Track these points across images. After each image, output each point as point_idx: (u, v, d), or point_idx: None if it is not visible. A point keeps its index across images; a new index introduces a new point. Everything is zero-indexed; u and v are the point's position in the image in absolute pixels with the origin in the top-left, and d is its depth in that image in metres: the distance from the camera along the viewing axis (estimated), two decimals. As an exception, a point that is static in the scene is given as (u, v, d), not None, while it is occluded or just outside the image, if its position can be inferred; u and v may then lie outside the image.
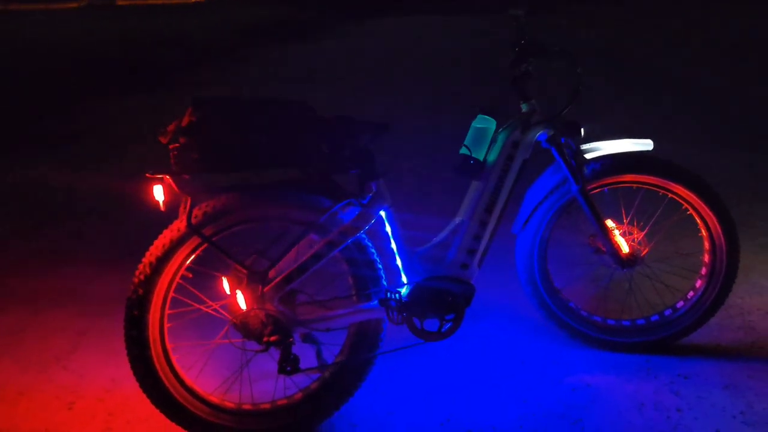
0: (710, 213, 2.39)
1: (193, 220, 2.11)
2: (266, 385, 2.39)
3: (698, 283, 2.50)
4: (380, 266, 2.25)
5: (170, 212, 2.08)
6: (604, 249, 2.49)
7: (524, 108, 2.39)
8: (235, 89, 7.85)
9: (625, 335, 2.55)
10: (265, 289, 2.10)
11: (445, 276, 2.32)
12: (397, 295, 2.24)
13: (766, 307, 2.80)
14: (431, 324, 2.28)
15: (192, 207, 2.07)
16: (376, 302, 2.23)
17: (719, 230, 2.40)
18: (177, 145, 2.03)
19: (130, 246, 3.64)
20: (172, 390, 2.14)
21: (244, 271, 2.13)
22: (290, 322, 2.16)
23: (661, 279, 2.75)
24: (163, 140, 2.11)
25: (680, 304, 2.53)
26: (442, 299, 2.28)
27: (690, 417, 2.20)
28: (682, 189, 2.38)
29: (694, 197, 2.38)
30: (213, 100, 2.17)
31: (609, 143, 2.41)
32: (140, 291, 2.10)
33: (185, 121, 2.07)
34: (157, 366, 2.14)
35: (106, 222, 4.05)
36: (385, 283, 2.26)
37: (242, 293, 2.10)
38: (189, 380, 2.18)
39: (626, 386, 2.38)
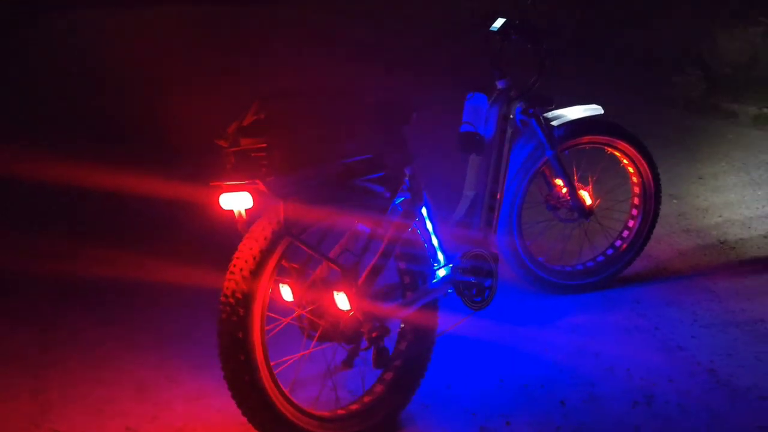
0: (643, 162, 2.85)
1: (285, 224, 1.95)
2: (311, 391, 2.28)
3: (631, 223, 2.96)
4: (430, 247, 2.31)
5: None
6: (561, 205, 2.82)
7: (503, 84, 2.58)
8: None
9: (584, 277, 2.92)
10: (360, 283, 2.02)
11: (477, 253, 2.45)
12: (445, 274, 2.33)
13: (656, 236, 3.36)
14: (475, 294, 2.40)
15: (286, 210, 1.92)
16: (439, 282, 2.29)
17: (650, 176, 2.87)
18: (262, 145, 1.86)
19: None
20: (286, 413, 1.97)
21: (338, 269, 2.02)
22: (384, 315, 2.12)
23: (604, 224, 3.08)
24: (224, 143, 1.90)
25: (618, 243, 2.97)
26: (480, 271, 2.42)
27: (668, 331, 2.64)
28: (624, 144, 2.80)
29: (632, 150, 2.81)
30: (278, 94, 2.04)
31: (567, 110, 2.72)
32: (240, 311, 1.90)
33: (249, 120, 1.90)
34: (269, 390, 1.94)
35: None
36: (435, 264, 2.33)
37: (343, 293, 2.00)
38: (294, 399, 2.02)
39: (607, 318, 2.75)
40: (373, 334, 2.09)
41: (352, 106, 2.10)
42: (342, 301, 2.02)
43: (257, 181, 1.90)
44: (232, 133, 1.96)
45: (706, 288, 2.93)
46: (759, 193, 3.84)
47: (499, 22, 2.55)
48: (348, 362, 2.20)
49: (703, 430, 2.13)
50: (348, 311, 2.03)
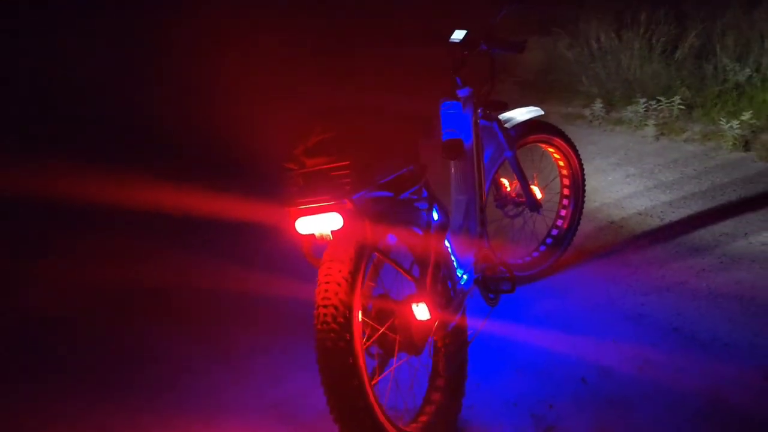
0: (573, 156, 3.16)
1: (372, 241, 1.91)
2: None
3: (563, 212, 3.27)
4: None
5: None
6: (507, 202, 3.02)
7: (466, 92, 2.70)
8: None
9: (536, 266, 3.15)
10: (434, 293, 2.06)
11: (483, 261, 2.57)
12: (468, 277, 2.42)
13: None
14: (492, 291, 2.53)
15: (372, 227, 1.90)
16: (467, 284, 2.37)
17: (578, 169, 3.20)
18: (345, 163, 1.84)
19: None
20: (388, 426, 1.94)
21: (415, 281, 2.03)
22: (449, 322, 2.24)
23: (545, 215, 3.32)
24: (293, 166, 1.85)
25: (555, 231, 3.27)
26: (489, 275, 2.55)
27: (622, 304, 2.98)
28: (559, 141, 3.09)
29: (565, 146, 3.12)
30: (335, 112, 2.02)
31: (515, 112, 2.94)
32: (346, 336, 1.86)
33: (315, 140, 1.88)
34: (373, 402, 1.88)
35: None
36: (459, 269, 2.40)
37: (423, 303, 2.01)
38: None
39: (570, 301, 3.02)
40: (447, 341, 2.12)
41: (399, 121, 2.13)
42: (422, 311, 2.02)
43: (345, 200, 1.85)
44: (300, 154, 1.89)
45: (623, 262, 3.35)
46: (615, 176, 4.41)
47: (460, 34, 2.67)
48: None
49: (698, 378, 2.47)
50: (428, 320, 2.04)
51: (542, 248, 3.25)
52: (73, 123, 5.73)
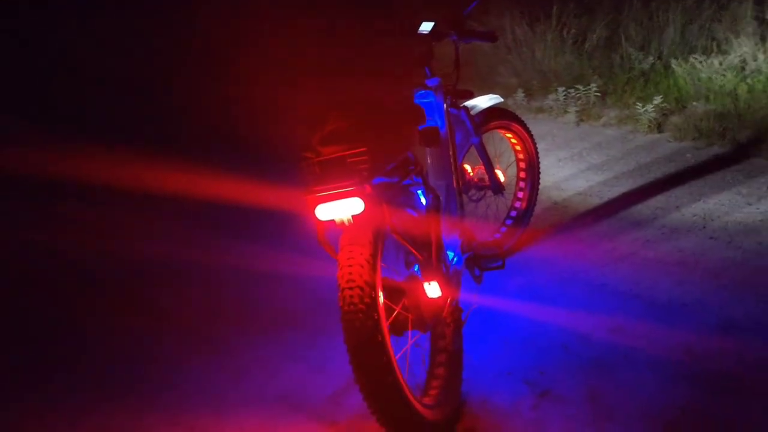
0: (529, 141, 3.34)
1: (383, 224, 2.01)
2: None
3: (521, 194, 3.44)
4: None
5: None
6: (470, 187, 3.16)
7: (435, 82, 2.81)
8: None
9: (504, 244, 3.31)
10: (444, 272, 2.18)
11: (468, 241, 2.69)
12: (457, 261, 2.55)
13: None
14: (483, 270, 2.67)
15: (390, 211, 2.00)
16: (460, 262, 2.50)
17: (533, 151, 3.38)
18: (362, 149, 1.91)
19: None
20: (408, 395, 2.03)
21: (421, 258, 2.13)
22: (455, 297, 2.34)
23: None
24: (311, 155, 1.92)
25: (514, 213, 3.44)
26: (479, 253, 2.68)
27: (586, 275, 3.19)
28: (517, 126, 3.26)
29: (522, 131, 3.29)
30: (350, 101, 2.10)
31: (477, 100, 3.07)
32: (374, 316, 1.92)
33: (330, 129, 1.96)
34: (407, 391, 1.95)
35: None
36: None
37: (435, 282, 2.12)
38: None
39: (538, 275, 3.19)
40: (453, 317, 2.22)
41: (397, 110, 2.21)
42: (434, 289, 2.11)
43: (366, 185, 1.92)
44: (317, 143, 1.95)
45: (576, 238, 3.58)
46: (548, 161, 4.64)
47: (428, 25, 2.77)
48: None
49: (667, 337, 2.70)
50: (439, 298, 2.13)
51: (503, 229, 3.41)
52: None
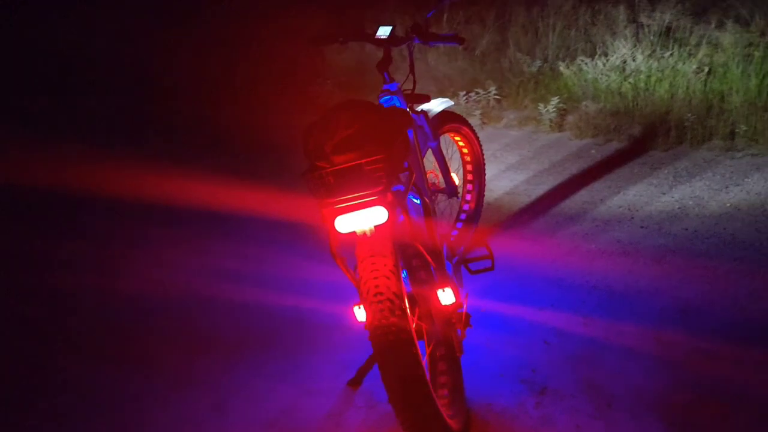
0: (476, 143, 3.38)
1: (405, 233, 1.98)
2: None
3: (469, 197, 3.47)
4: None
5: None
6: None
7: (394, 87, 2.79)
8: None
9: (460, 244, 3.31)
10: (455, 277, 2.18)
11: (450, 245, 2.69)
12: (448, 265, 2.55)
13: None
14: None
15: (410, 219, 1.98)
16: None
17: (479, 153, 3.42)
18: (379, 157, 1.87)
19: None
20: (447, 419, 2.05)
21: (435, 266, 2.14)
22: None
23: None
24: (325, 164, 1.86)
25: (463, 216, 3.46)
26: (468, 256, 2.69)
27: (556, 264, 3.27)
28: (466, 130, 3.28)
29: (471, 134, 3.32)
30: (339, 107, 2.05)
31: (431, 104, 3.06)
32: (407, 327, 1.92)
33: (341, 136, 1.91)
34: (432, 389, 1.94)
35: None
36: None
37: (449, 288, 2.11)
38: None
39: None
40: (463, 318, 2.20)
41: (400, 113, 2.17)
42: (448, 296, 2.08)
43: (388, 193, 1.87)
44: (330, 152, 1.88)
45: (519, 236, 3.70)
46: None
47: (386, 30, 2.75)
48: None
49: (633, 323, 2.83)
50: (453, 304, 2.10)
51: (455, 232, 3.43)
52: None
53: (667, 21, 5.66)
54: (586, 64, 5.63)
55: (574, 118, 5.24)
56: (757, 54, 5.04)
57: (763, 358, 2.56)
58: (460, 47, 2.90)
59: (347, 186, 1.88)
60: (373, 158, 1.89)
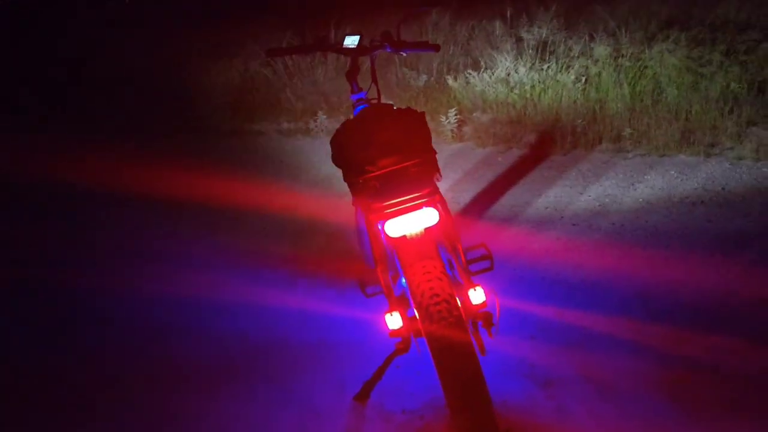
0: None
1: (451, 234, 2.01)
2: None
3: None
4: None
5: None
6: None
7: (363, 95, 2.78)
8: None
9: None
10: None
11: None
12: None
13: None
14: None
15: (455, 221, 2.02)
16: None
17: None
18: (417, 160, 1.91)
19: None
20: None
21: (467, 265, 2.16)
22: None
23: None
24: (372, 168, 1.88)
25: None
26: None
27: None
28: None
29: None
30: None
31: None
32: (465, 326, 1.99)
33: (380, 140, 1.97)
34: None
35: None
36: None
37: (480, 287, 2.15)
38: None
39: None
40: (485, 315, 2.23)
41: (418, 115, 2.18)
42: (479, 295, 2.11)
43: (437, 195, 1.90)
44: (375, 157, 1.88)
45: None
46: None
47: (354, 40, 2.74)
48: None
49: (602, 313, 3.00)
50: (482, 303, 2.13)
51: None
52: None
53: (543, 35, 6.07)
54: (473, 77, 5.89)
55: (471, 129, 5.45)
56: (626, 64, 5.54)
57: (724, 333, 2.81)
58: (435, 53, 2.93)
59: (396, 189, 1.85)
60: (418, 160, 1.87)
